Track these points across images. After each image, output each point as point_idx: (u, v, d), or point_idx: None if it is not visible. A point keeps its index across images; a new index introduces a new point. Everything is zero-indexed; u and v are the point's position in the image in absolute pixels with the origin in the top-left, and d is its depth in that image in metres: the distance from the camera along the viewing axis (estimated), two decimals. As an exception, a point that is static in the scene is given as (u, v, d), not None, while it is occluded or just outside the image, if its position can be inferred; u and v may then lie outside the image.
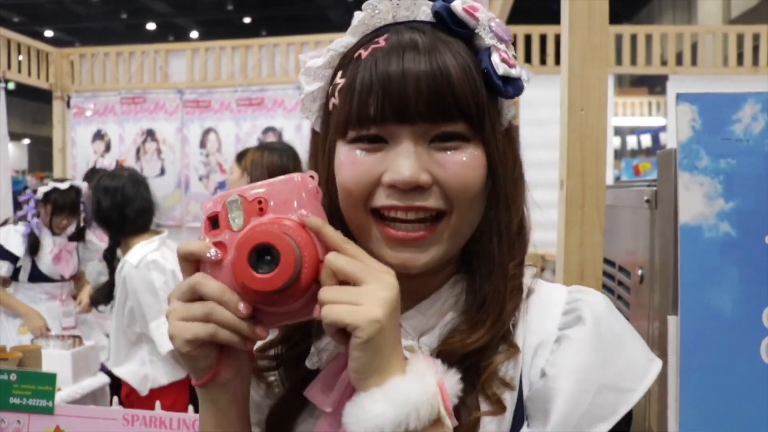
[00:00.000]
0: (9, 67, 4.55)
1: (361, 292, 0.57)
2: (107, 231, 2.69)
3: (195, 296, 0.60)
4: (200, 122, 4.83)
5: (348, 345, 0.58)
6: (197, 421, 1.72)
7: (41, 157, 16.23)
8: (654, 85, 9.57)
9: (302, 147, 2.65)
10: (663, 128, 7.66)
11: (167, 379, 2.55)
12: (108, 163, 4.36)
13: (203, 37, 15.43)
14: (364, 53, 0.66)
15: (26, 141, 18.71)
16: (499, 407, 0.65)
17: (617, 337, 0.67)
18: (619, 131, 9.75)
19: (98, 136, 5.01)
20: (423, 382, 0.58)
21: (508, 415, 0.65)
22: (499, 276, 0.68)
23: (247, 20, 15.57)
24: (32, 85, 4.92)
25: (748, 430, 1.12)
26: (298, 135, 4.52)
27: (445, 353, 0.66)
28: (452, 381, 0.62)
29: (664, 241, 1.19)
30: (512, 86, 0.68)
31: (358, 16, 0.69)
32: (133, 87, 4.99)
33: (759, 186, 1.10)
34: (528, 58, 4.94)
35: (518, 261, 0.71)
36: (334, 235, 0.59)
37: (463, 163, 0.64)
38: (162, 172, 4.86)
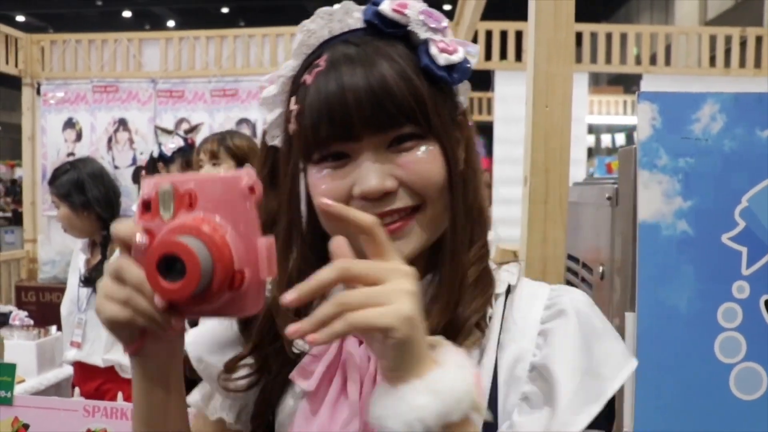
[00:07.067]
0: (-23, 51, 4.45)
1: (385, 290, 0.56)
2: (105, 217, 2.50)
3: (120, 277, 0.60)
4: (173, 112, 4.76)
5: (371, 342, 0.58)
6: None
7: (11, 145, 15.91)
8: (630, 84, 9.64)
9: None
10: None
11: None
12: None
13: (180, 26, 15.25)
14: (309, 79, 0.69)
15: (-4, 128, 18.32)
16: None
17: (596, 331, 0.70)
18: (595, 129, 9.82)
19: (69, 124, 4.91)
20: (463, 373, 0.58)
21: None
22: (453, 261, 0.70)
23: (225, 10, 15.42)
24: (0, 71, 4.81)
25: (702, 425, 1.13)
26: (273, 127, 4.47)
27: None
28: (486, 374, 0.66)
29: (624, 238, 1.19)
30: (458, 72, 0.70)
31: (297, 38, 0.73)
32: (106, 75, 4.89)
33: (716, 185, 1.11)
34: (504, 55, 4.94)
35: (479, 244, 0.73)
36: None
37: (421, 159, 0.68)
38: (134, 162, 4.78)
